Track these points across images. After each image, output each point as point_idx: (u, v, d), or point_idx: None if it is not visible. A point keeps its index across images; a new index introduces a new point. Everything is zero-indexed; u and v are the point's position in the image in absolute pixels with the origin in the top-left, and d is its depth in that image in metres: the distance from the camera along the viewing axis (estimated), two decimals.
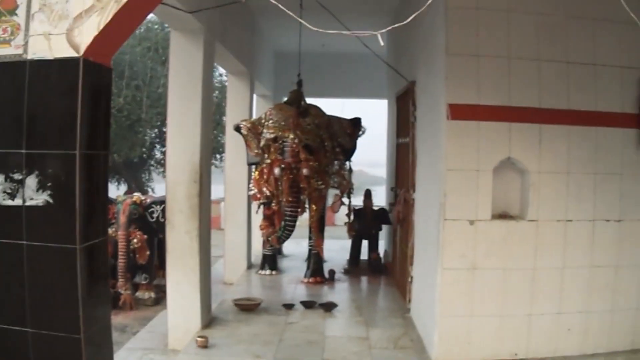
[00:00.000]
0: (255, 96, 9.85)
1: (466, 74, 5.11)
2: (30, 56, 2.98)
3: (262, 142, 7.64)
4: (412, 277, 6.61)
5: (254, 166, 8.02)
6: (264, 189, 7.67)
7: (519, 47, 5.13)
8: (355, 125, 8.25)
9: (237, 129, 7.83)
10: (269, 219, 7.68)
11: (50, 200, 2.95)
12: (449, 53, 5.10)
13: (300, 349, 5.59)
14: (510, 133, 5.14)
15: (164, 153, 16.03)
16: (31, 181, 2.97)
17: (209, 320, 6.20)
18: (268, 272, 8.69)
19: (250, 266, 9.08)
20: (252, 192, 8.08)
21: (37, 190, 2.96)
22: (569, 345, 5.25)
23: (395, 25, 3.44)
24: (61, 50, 2.94)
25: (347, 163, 8.27)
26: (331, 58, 11.84)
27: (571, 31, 5.21)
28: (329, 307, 6.84)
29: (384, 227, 9.26)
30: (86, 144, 2.98)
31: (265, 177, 7.59)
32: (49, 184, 2.95)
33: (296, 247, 10.31)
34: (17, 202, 2.99)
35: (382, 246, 9.40)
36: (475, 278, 5.13)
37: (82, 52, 2.93)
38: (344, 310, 6.90)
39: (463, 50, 5.10)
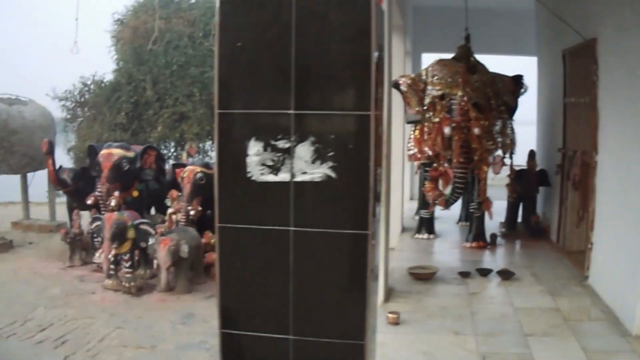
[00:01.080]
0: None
1: None
2: None
3: (427, 100, 6.79)
4: (592, 244, 5.65)
5: (412, 125, 7.19)
6: (425, 149, 6.85)
7: None
8: (517, 83, 7.31)
9: (396, 85, 6.96)
10: (434, 180, 6.82)
11: (333, 175, 2.18)
12: None
13: (496, 323, 4.82)
14: None
15: None
16: (303, 150, 2.20)
17: (388, 291, 5.46)
18: (425, 235, 7.80)
19: (403, 229, 8.25)
20: (412, 152, 7.27)
21: (313, 161, 2.19)
22: None
23: None
24: None
25: (510, 122, 7.27)
26: (473, 13, 10.55)
27: None
28: (507, 275, 5.97)
29: (541, 189, 8.21)
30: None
31: (428, 136, 6.76)
32: (331, 154, 2.19)
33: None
34: (283, 177, 2.23)
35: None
36: None
37: None
38: (521, 278, 5.98)
39: None
